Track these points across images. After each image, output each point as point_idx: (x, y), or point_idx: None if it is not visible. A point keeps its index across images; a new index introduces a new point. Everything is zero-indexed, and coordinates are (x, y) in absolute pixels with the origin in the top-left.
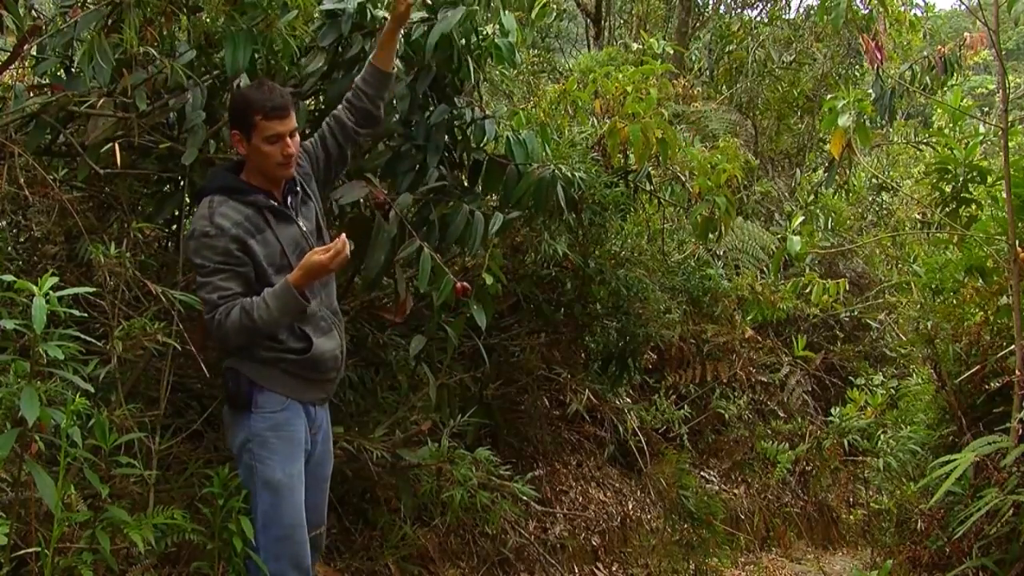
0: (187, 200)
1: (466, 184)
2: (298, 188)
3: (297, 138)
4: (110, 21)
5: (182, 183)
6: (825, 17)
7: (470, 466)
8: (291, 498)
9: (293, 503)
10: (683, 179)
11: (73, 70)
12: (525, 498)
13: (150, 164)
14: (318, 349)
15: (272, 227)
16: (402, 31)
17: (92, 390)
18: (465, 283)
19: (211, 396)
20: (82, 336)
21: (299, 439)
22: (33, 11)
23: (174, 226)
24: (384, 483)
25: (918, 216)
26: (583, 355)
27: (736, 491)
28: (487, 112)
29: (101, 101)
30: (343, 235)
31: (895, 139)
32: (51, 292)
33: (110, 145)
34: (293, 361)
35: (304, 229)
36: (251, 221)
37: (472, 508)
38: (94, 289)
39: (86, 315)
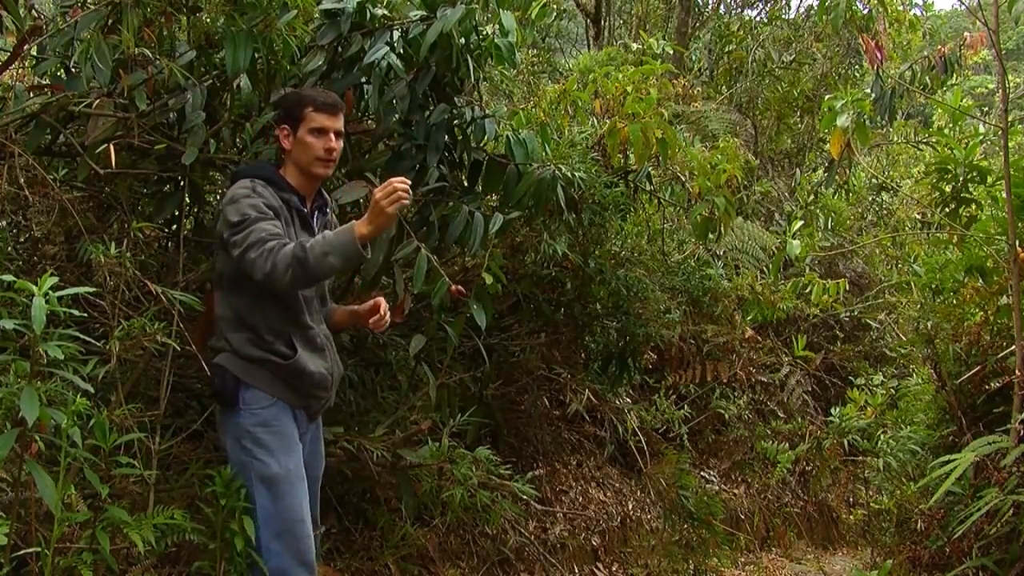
0: (187, 200)
1: (466, 184)
2: (328, 211)
3: (341, 142)
4: (110, 21)
5: (182, 183)
6: (825, 17)
7: (470, 466)
8: (290, 491)
9: (292, 496)
10: (683, 179)
11: (73, 70)
12: (525, 498)
13: (150, 164)
14: (301, 361)
15: (295, 228)
16: (399, 32)
17: (92, 390)
18: (460, 287)
19: (211, 396)
20: (82, 336)
21: (290, 433)
22: (33, 11)
23: (174, 226)
24: (384, 483)
25: (918, 216)
26: (583, 355)
27: (736, 491)
28: (487, 112)
29: (98, 101)
30: (400, 178)
31: (895, 139)
32: (51, 292)
33: (104, 146)
34: (279, 365)
35: None
36: (281, 211)
37: (472, 508)
38: (94, 289)
39: (86, 315)
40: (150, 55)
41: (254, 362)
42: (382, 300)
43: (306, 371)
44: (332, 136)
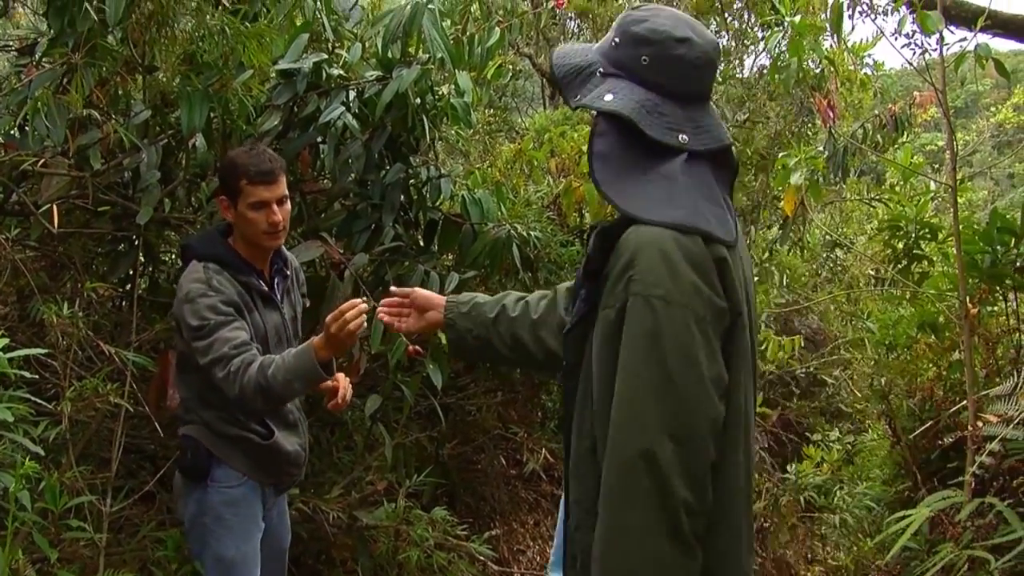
0: (141, 259)
1: (422, 243)
2: (288, 272)
3: (287, 206)
4: (65, 80)
5: (136, 243)
6: (777, 77)
7: (427, 526)
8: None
9: None
10: None
11: (26, 129)
12: (482, 558)
13: (104, 223)
14: (278, 442)
15: (259, 311)
16: (355, 92)
17: (42, 452)
18: (417, 347)
19: (164, 457)
20: (32, 398)
21: (254, 515)
22: None
23: (128, 286)
24: (340, 544)
25: (871, 272)
26: (540, 413)
27: None
28: (443, 171)
29: (43, 161)
30: (353, 301)
31: (848, 196)
32: (1, 353)
33: (48, 207)
34: (255, 444)
35: (286, 317)
36: (242, 298)
37: (429, 568)
38: (46, 350)
39: (37, 376)
40: (98, 117)
41: (230, 439)
42: (342, 380)
43: (282, 451)
44: (274, 207)
